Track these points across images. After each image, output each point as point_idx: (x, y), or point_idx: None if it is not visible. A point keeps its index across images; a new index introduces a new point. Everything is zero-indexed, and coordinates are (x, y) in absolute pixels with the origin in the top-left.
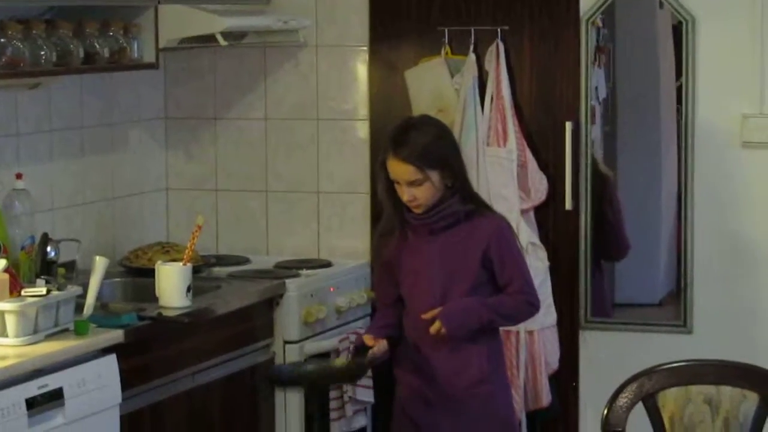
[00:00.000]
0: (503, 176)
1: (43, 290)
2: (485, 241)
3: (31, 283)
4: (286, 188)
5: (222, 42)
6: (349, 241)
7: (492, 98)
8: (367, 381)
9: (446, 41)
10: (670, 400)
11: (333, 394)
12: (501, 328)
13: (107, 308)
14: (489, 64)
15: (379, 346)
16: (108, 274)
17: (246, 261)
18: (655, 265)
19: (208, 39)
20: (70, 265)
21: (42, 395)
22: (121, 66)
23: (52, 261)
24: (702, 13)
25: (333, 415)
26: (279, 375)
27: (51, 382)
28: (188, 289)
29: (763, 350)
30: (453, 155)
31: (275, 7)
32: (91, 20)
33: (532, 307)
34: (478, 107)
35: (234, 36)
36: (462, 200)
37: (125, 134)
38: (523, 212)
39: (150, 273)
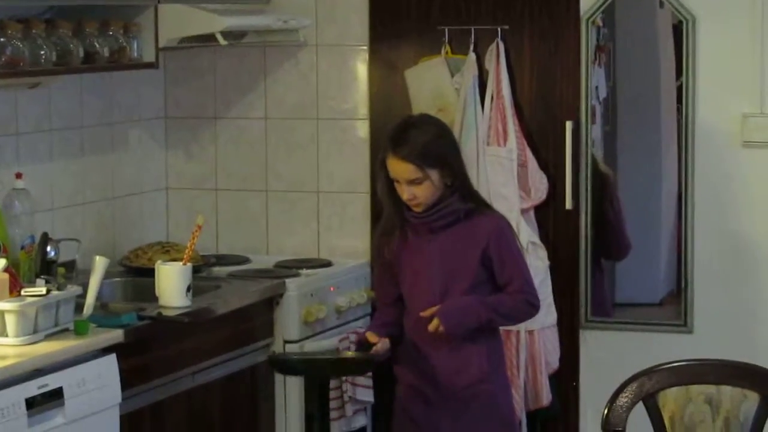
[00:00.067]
0: (503, 175)
1: (43, 290)
2: (485, 240)
3: (31, 283)
4: (286, 188)
5: (222, 41)
6: (349, 241)
7: (492, 97)
8: (367, 380)
9: (446, 41)
10: (670, 399)
11: (333, 393)
12: (501, 328)
13: (107, 308)
14: (489, 64)
15: (382, 344)
16: (108, 274)
17: (246, 261)
18: (656, 265)
19: (208, 38)
20: (70, 265)
21: (42, 395)
22: (121, 65)
23: (52, 261)
24: (702, 13)
25: (333, 414)
26: (286, 361)
27: (51, 381)
28: (188, 289)
29: (764, 350)
30: (453, 154)
31: (275, 6)
32: (90, 20)
33: (531, 307)
34: (479, 107)
35: (234, 35)
36: (462, 199)
37: (125, 134)
38: (523, 212)
39: (150, 273)
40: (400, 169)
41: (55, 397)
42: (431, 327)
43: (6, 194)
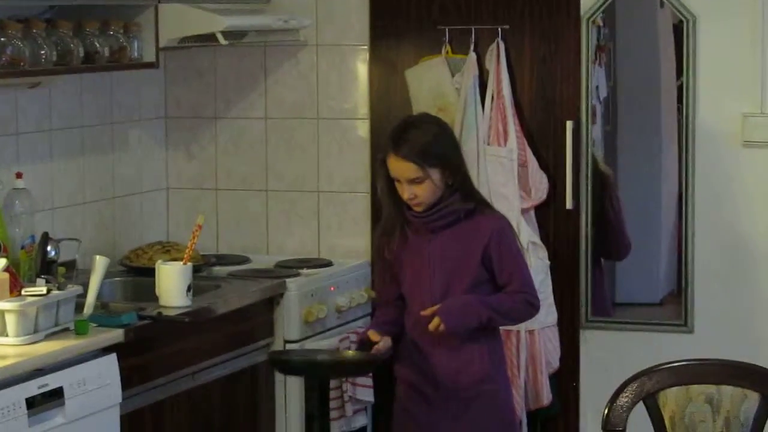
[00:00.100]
0: (504, 175)
1: (44, 289)
2: (485, 240)
3: (32, 283)
4: (286, 187)
5: (222, 41)
6: (349, 241)
7: (492, 97)
8: (367, 380)
9: (447, 40)
10: (670, 399)
11: (333, 393)
12: (501, 328)
13: (107, 308)
14: (489, 63)
15: (384, 342)
16: (108, 274)
17: (246, 260)
18: (656, 265)
19: (209, 38)
20: (70, 265)
21: (42, 395)
22: (122, 65)
23: (52, 260)
24: (703, 12)
25: (333, 414)
26: (288, 362)
27: (51, 381)
28: (188, 289)
29: (764, 350)
30: (453, 153)
31: (275, 6)
32: (91, 19)
33: (531, 307)
34: (479, 106)
35: (234, 35)
36: (462, 198)
37: (125, 133)
38: (524, 211)
39: (150, 272)
40: (400, 168)
41: (55, 396)
42: (432, 326)
43: (6, 194)
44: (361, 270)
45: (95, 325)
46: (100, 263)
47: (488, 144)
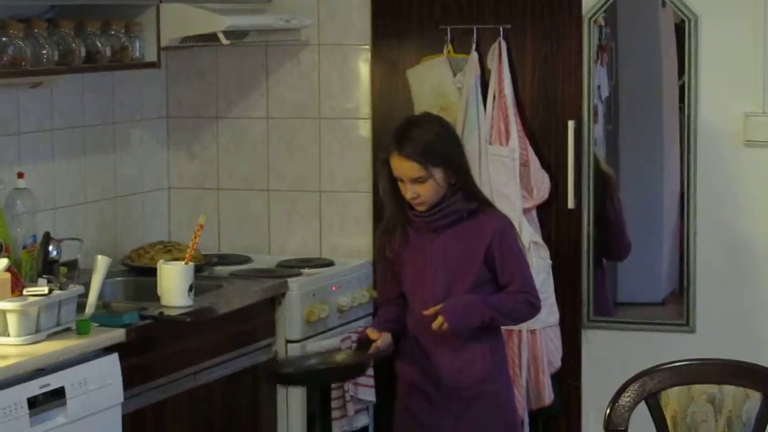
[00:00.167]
0: (505, 175)
1: (45, 289)
2: (488, 240)
3: (33, 283)
4: (288, 187)
5: (224, 41)
6: (351, 240)
7: (494, 97)
8: (368, 380)
9: (448, 40)
10: (672, 399)
11: (335, 393)
12: (503, 328)
13: (109, 307)
14: (491, 63)
15: (383, 339)
16: (110, 274)
17: (248, 260)
18: (658, 264)
19: (210, 38)
20: (71, 265)
21: (44, 394)
22: (123, 65)
23: (53, 260)
24: (705, 12)
25: (335, 414)
26: (282, 377)
27: (53, 381)
28: (190, 289)
29: (766, 349)
30: (456, 152)
31: (277, 5)
32: (92, 19)
33: (532, 307)
34: (481, 106)
35: (236, 35)
36: (465, 198)
37: (127, 133)
38: (526, 211)
39: (152, 272)
40: (403, 167)
41: (56, 396)
42: (435, 325)
43: (8, 194)
44: (362, 270)
45: (97, 324)
46: (102, 263)
47: (490, 143)
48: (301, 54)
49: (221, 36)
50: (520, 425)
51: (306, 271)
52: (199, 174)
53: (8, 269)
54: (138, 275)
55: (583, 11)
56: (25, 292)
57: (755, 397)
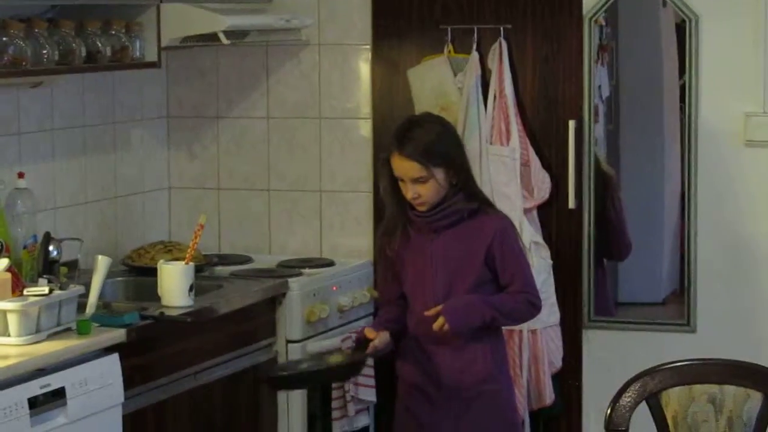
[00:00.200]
0: (506, 175)
1: (46, 289)
2: (489, 240)
3: (34, 283)
4: (288, 187)
5: (224, 41)
6: (351, 240)
7: (495, 97)
8: (369, 380)
9: (449, 40)
10: (673, 399)
11: (335, 393)
12: (504, 328)
13: (109, 307)
14: (492, 63)
15: (380, 338)
16: (110, 274)
17: (248, 260)
18: (659, 264)
19: (211, 38)
20: (72, 265)
21: (44, 395)
22: (124, 65)
23: (54, 260)
24: (705, 12)
25: (335, 414)
26: (277, 380)
27: (53, 381)
28: (190, 289)
29: (767, 349)
30: (457, 152)
31: (277, 5)
32: (93, 19)
33: (533, 307)
34: (481, 106)
35: (236, 35)
36: (466, 198)
37: (127, 133)
38: (526, 211)
39: (152, 272)
40: (404, 167)
41: (57, 396)
42: (436, 326)
43: (8, 194)
44: (363, 270)
45: (97, 324)
46: (102, 263)
47: (491, 143)
48: (301, 54)
49: (222, 36)
50: (521, 425)
51: (306, 271)
52: (200, 174)
53: (9, 269)
54: (138, 275)
55: (584, 11)
56: (25, 292)
57: (756, 397)
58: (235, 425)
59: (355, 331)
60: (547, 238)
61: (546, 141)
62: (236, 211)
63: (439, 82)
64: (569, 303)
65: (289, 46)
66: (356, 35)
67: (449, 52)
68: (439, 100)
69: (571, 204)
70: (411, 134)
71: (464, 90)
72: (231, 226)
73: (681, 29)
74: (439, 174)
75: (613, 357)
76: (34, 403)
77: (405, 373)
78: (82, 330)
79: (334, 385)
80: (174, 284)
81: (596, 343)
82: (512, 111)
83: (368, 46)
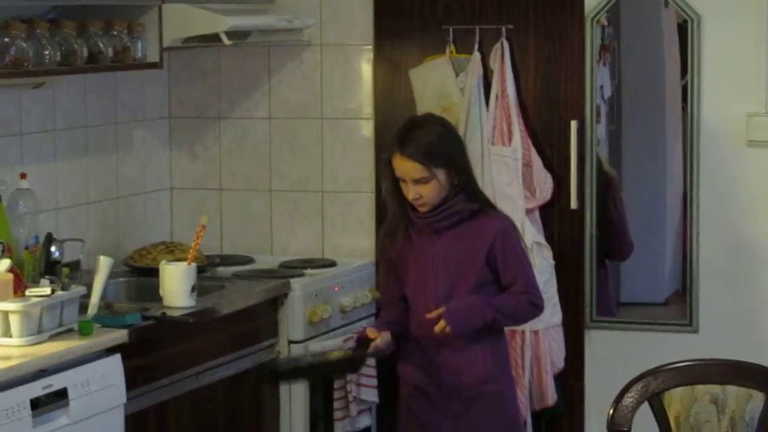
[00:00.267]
0: (508, 175)
1: (48, 290)
2: (490, 241)
3: (35, 283)
4: (290, 188)
5: (226, 41)
6: (353, 241)
7: (497, 97)
8: (371, 380)
9: (451, 40)
10: (675, 399)
11: (337, 393)
12: (506, 328)
13: (111, 308)
14: (494, 63)
15: (381, 338)
16: (112, 274)
17: (250, 261)
18: (661, 264)
19: (212, 38)
20: (74, 265)
21: (46, 395)
22: (125, 65)
23: (56, 261)
24: (707, 12)
25: (337, 414)
26: (277, 372)
27: (55, 382)
28: (192, 289)
29: None
30: (459, 153)
31: (279, 6)
32: (94, 20)
33: (535, 307)
34: (483, 106)
35: (238, 35)
36: (467, 199)
37: (129, 134)
38: (528, 211)
39: (154, 273)
40: (406, 168)
41: (59, 397)
42: (438, 328)
43: (10, 194)
44: (365, 270)
45: (99, 325)
46: (104, 264)
47: (492, 144)
48: (303, 54)
49: (223, 36)
50: (523, 425)
51: (308, 271)
52: (202, 174)
53: (11, 270)
54: (140, 276)
55: (586, 11)
56: (27, 293)
57: (758, 398)
58: (237, 426)
59: (356, 332)
60: (549, 238)
61: (548, 141)
62: (238, 212)
63: (441, 83)
64: (571, 303)
65: (291, 47)
66: (358, 35)
67: (451, 52)
68: (440, 100)
69: (573, 204)
70: (412, 135)
71: (466, 90)
72: (233, 226)
73: (683, 29)
74: (441, 175)
75: (616, 357)
76: (36, 404)
77: (406, 375)
78: (84, 331)
79: (336, 385)
80: (176, 285)
81: (598, 343)
82: (514, 111)
83: (370, 47)
